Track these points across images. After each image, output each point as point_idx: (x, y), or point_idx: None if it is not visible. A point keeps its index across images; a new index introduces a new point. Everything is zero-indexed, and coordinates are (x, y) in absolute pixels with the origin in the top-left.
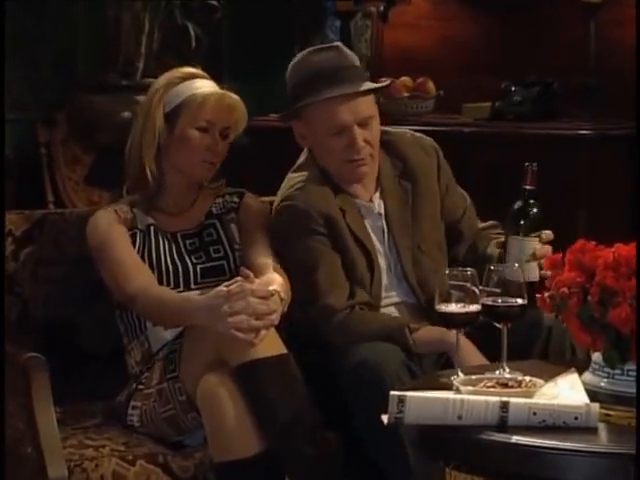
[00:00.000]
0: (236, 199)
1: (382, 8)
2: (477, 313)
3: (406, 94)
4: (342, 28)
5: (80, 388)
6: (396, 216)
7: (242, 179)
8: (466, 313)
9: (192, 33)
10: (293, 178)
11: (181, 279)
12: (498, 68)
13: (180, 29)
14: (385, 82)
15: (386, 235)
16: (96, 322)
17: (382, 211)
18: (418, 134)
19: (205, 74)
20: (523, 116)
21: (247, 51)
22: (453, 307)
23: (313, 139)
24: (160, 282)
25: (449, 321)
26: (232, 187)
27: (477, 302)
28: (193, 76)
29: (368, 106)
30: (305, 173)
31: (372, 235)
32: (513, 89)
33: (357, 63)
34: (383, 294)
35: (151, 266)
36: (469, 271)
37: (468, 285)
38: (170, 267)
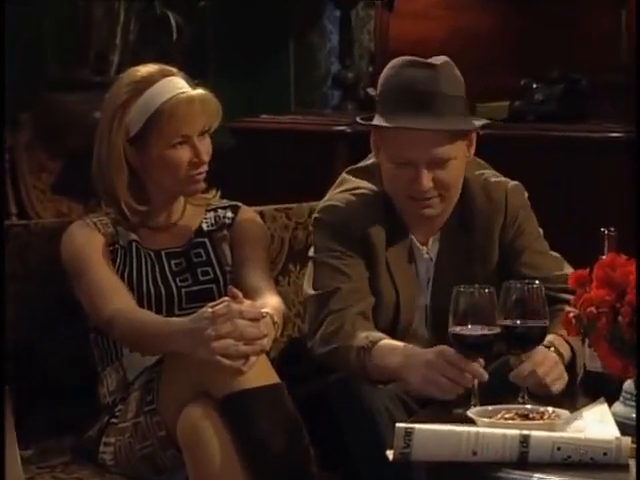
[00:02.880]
0: (230, 214)
1: None
2: (495, 336)
3: None
4: (342, 18)
5: (47, 421)
6: (445, 266)
7: (229, 185)
8: (483, 336)
9: (173, 23)
10: (353, 183)
11: (164, 303)
12: (517, 63)
13: (159, 19)
14: (479, 124)
15: (430, 283)
16: (66, 347)
17: (434, 257)
18: (494, 180)
19: (169, 68)
20: (546, 117)
21: (235, 44)
22: (469, 330)
23: (381, 159)
24: (140, 306)
25: (463, 345)
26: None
27: (494, 324)
28: (153, 79)
29: (447, 146)
30: (367, 185)
31: (416, 280)
32: (534, 87)
33: (459, 92)
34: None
35: (131, 287)
36: (487, 289)
37: (486, 306)
38: (152, 289)
